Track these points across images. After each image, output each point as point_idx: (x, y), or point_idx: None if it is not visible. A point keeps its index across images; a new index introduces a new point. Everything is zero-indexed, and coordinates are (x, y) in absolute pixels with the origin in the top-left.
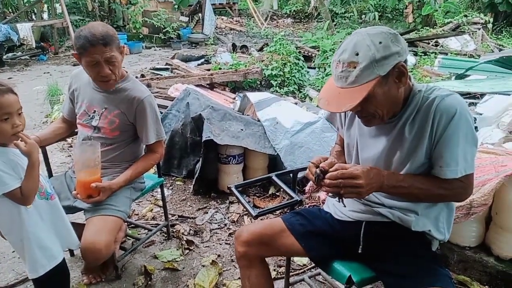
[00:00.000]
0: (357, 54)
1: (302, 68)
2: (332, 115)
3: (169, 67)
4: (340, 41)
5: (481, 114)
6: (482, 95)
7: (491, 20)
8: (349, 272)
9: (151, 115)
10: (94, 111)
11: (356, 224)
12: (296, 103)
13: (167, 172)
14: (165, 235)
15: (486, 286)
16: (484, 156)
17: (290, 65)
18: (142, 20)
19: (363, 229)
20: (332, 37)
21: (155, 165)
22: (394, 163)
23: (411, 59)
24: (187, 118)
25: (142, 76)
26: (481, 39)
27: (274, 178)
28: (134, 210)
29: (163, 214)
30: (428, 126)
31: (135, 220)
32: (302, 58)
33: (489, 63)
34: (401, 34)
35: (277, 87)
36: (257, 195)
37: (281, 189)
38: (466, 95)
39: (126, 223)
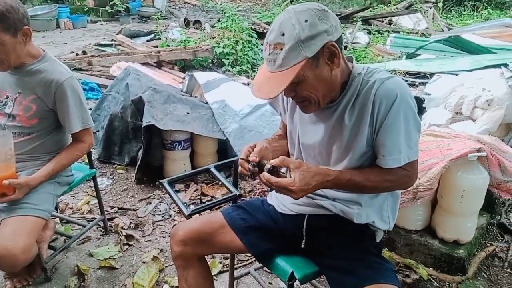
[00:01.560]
0: (282, 35)
1: (256, 46)
2: (274, 99)
3: (114, 42)
4: None
5: (429, 94)
6: (432, 74)
7: None
8: (291, 268)
9: (74, 100)
10: (7, 96)
11: (299, 217)
12: (248, 84)
13: (108, 160)
14: (102, 230)
15: (430, 268)
16: (430, 139)
17: (242, 43)
18: None
19: (306, 223)
20: None
21: (87, 156)
22: (334, 153)
23: (364, 38)
24: (127, 100)
25: (84, 53)
26: (432, 18)
27: (213, 170)
28: (68, 203)
29: None
30: (368, 113)
31: (69, 215)
32: (256, 36)
33: (439, 43)
34: (356, 12)
35: (229, 66)
36: (206, 181)
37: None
38: (416, 74)
39: (56, 219)
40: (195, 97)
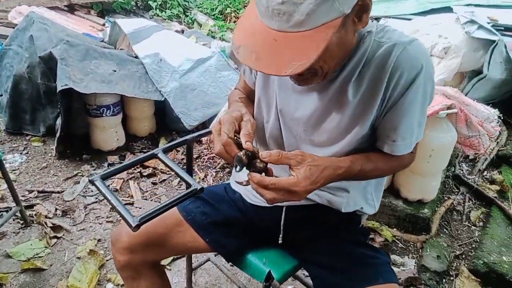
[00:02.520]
0: None
1: None
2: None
3: None
4: None
5: None
6: (377, 18)
7: None
8: (267, 267)
9: None
10: None
11: (275, 209)
12: (182, 31)
13: (18, 130)
14: (21, 223)
15: (394, 229)
16: None
17: None
18: None
19: (284, 216)
20: None
21: None
22: (325, 133)
23: None
24: (33, 57)
25: None
26: None
27: (161, 155)
28: None
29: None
30: (382, 87)
31: None
32: None
33: None
34: None
35: (158, 10)
36: (144, 150)
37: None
38: None
39: None
40: (121, 49)
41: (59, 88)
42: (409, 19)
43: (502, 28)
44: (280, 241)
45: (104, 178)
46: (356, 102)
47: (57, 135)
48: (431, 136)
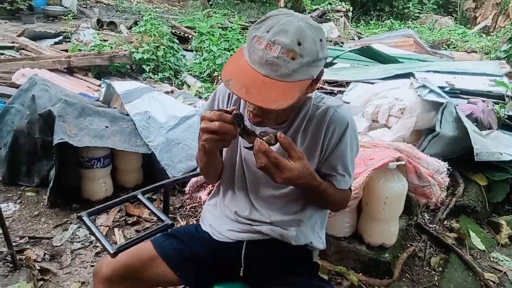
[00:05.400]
0: (299, 44)
1: (178, 52)
2: (212, 108)
3: (15, 45)
4: (220, 25)
5: (348, 103)
6: (348, 83)
7: (351, 8)
8: None
9: None
10: None
11: (236, 244)
12: (172, 92)
13: (14, 181)
14: (11, 266)
15: (360, 274)
16: None
17: (164, 48)
18: None
19: (244, 250)
20: (208, 19)
21: None
22: None
23: None
24: (33, 114)
25: None
26: (343, 27)
27: (140, 197)
28: None
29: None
30: (321, 137)
31: None
32: (177, 41)
33: (353, 52)
34: None
35: (150, 73)
36: (132, 201)
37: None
38: (333, 83)
39: None
40: (114, 108)
41: (55, 142)
42: (373, 83)
43: (459, 92)
44: (241, 274)
45: (91, 214)
46: (304, 149)
47: (50, 185)
48: (384, 185)
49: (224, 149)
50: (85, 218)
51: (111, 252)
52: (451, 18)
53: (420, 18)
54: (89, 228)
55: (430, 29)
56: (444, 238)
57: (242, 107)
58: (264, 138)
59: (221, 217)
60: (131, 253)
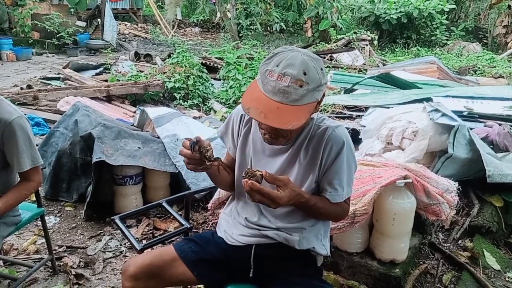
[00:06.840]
0: (305, 74)
1: (207, 81)
2: (226, 134)
3: (61, 76)
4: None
5: (364, 126)
6: (366, 108)
7: (377, 37)
8: None
9: (23, 139)
10: None
11: (247, 248)
12: (200, 117)
13: (55, 197)
14: (50, 271)
15: None
16: (363, 168)
17: (193, 78)
18: (31, 24)
19: (253, 253)
20: (235, 51)
21: (35, 194)
22: None
23: None
24: (75, 136)
25: (29, 87)
26: (369, 55)
27: (165, 204)
28: (12, 244)
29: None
30: (320, 154)
31: (14, 256)
32: (206, 71)
33: (373, 79)
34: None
35: (181, 100)
36: (158, 216)
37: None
38: (353, 108)
39: None
40: (147, 131)
41: (94, 160)
42: (388, 107)
43: (477, 116)
44: (251, 275)
45: (122, 218)
46: (305, 164)
47: (87, 200)
48: (392, 202)
49: (236, 164)
50: (117, 221)
51: (138, 248)
52: (478, 44)
53: (448, 45)
54: (120, 228)
55: (458, 56)
56: (457, 256)
57: (253, 127)
58: (253, 179)
59: (233, 224)
60: (155, 254)
